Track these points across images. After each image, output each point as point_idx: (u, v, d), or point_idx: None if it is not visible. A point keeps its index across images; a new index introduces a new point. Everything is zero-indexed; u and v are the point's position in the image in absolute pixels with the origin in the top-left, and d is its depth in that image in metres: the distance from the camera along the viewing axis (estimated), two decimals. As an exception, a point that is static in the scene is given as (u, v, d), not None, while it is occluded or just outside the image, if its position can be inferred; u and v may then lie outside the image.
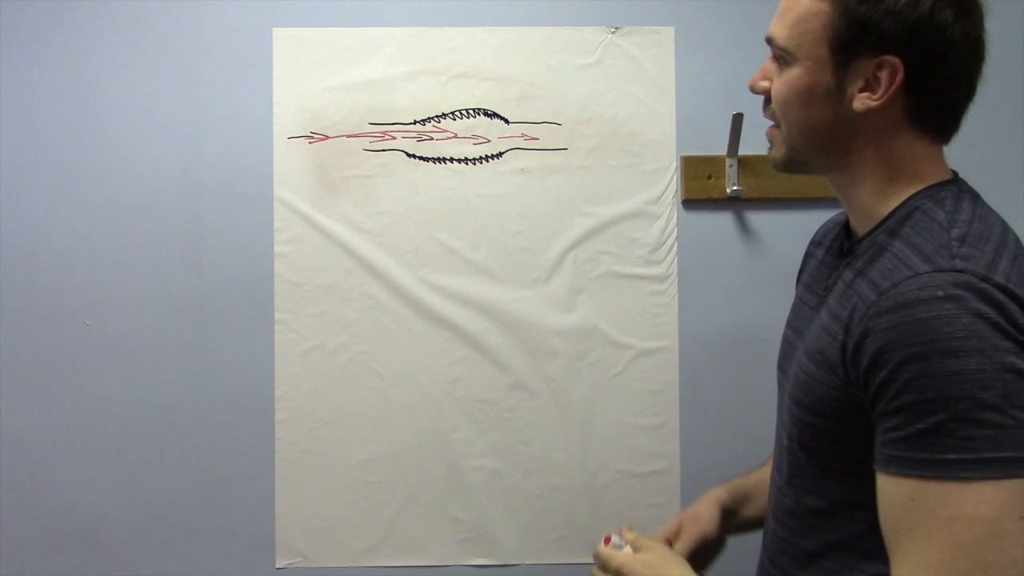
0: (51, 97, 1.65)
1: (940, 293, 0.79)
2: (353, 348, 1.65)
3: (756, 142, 1.60)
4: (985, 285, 0.80)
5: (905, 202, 0.91)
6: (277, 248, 1.65)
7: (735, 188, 1.64)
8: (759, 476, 1.19)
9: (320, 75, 1.65)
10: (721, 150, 1.64)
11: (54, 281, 1.65)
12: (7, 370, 1.64)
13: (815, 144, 0.94)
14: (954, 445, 0.77)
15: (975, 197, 0.92)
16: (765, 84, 0.97)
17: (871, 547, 0.88)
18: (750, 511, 1.17)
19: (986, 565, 0.76)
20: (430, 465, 1.65)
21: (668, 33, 1.66)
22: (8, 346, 1.65)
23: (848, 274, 0.93)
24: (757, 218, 1.67)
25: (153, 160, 1.65)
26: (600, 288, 1.66)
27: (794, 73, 0.92)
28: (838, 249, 1.02)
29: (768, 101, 0.97)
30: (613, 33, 1.66)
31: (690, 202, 1.67)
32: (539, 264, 1.66)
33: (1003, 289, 0.80)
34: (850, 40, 0.89)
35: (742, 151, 1.63)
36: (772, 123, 0.99)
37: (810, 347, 0.94)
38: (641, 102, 1.66)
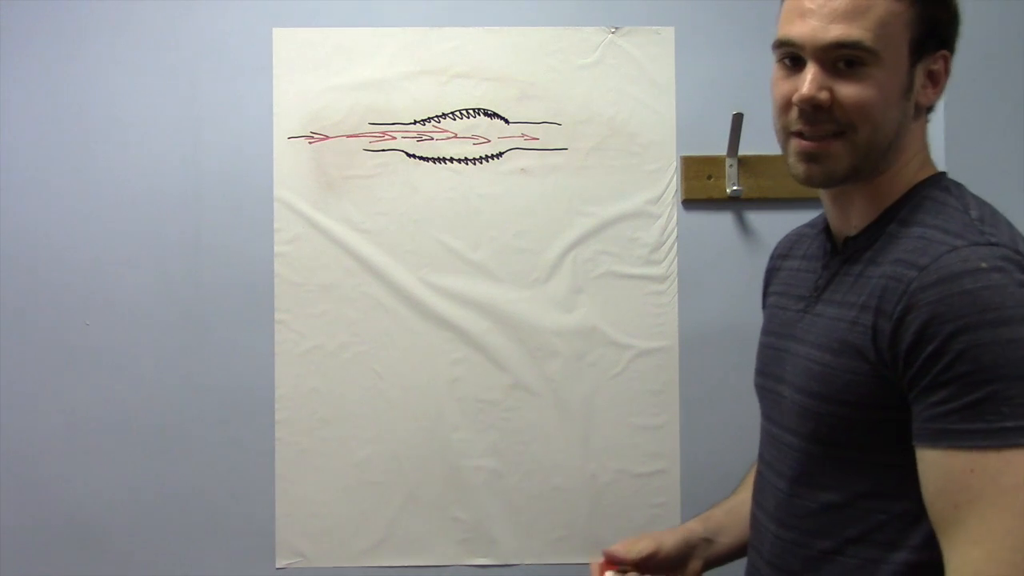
0: (51, 97, 1.65)
1: (984, 265, 0.81)
2: (353, 348, 1.65)
3: (756, 142, 1.60)
4: (1020, 257, 0.82)
5: (908, 193, 0.93)
6: (277, 248, 1.65)
7: (735, 188, 1.64)
8: (730, 505, 1.20)
9: (320, 75, 1.65)
10: (721, 150, 1.64)
11: (54, 281, 1.65)
12: (7, 370, 1.64)
13: (885, 148, 0.92)
14: (1011, 413, 0.78)
15: (964, 186, 0.95)
16: (828, 95, 0.90)
17: (893, 537, 0.88)
18: (726, 539, 1.16)
19: None
20: (430, 465, 1.65)
21: (668, 33, 1.66)
22: (8, 346, 1.65)
23: (854, 267, 0.93)
24: (757, 218, 1.67)
25: (153, 160, 1.65)
26: (600, 288, 1.66)
27: (881, 76, 0.89)
28: (820, 252, 1.03)
29: (819, 111, 0.91)
30: (613, 33, 1.66)
31: (690, 202, 1.67)
32: (539, 264, 1.66)
33: None
34: (925, 39, 0.91)
35: (742, 151, 1.63)
36: (823, 135, 0.92)
37: (820, 341, 0.94)
38: (641, 102, 1.66)
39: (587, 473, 1.66)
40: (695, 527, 1.17)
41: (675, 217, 1.67)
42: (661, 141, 1.66)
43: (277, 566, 1.65)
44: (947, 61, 0.94)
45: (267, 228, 1.65)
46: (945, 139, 1.52)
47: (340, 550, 1.65)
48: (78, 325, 1.65)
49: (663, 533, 1.14)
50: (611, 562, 1.09)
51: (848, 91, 0.89)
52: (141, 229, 1.65)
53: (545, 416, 1.66)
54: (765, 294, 1.17)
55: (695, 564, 1.15)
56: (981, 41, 1.44)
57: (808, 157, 0.93)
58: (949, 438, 0.80)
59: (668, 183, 1.67)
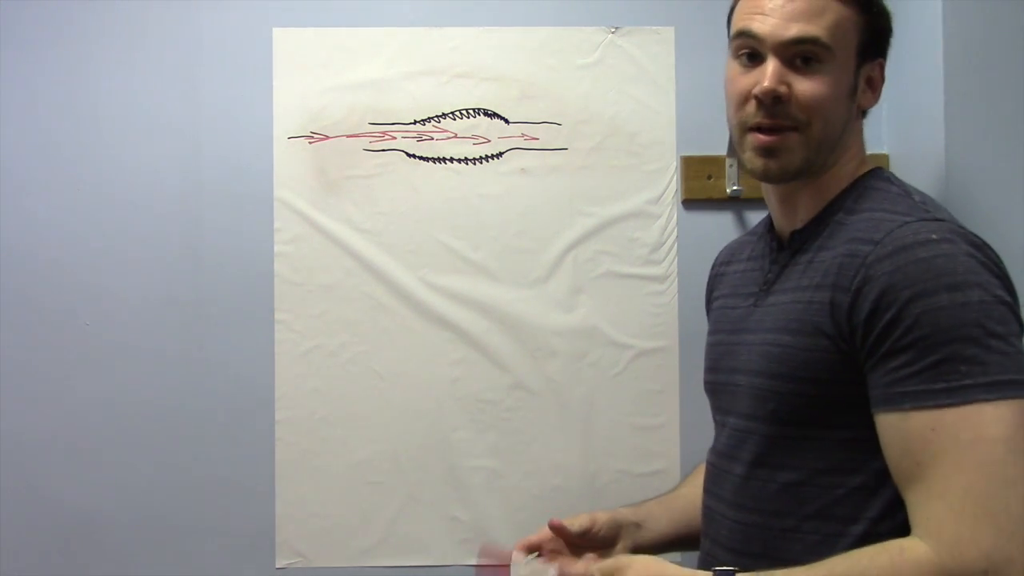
0: (52, 97, 1.65)
1: (934, 236, 0.87)
2: (353, 348, 1.65)
3: (756, 142, 1.60)
4: (964, 231, 0.89)
5: (853, 184, 0.99)
6: (277, 248, 1.65)
7: (735, 188, 1.64)
8: (665, 498, 1.25)
9: (320, 75, 1.65)
10: (721, 150, 1.64)
11: (54, 281, 1.64)
12: (7, 370, 1.64)
13: (833, 143, 0.99)
14: (969, 371, 0.82)
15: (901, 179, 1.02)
16: (787, 89, 0.96)
17: (851, 511, 0.91)
18: (656, 526, 1.20)
19: (1008, 480, 0.81)
20: (430, 465, 1.65)
21: (668, 33, 1.67)
22: (8, 346, 1.65)
23: (804, 256, 0.98)
24: (757, 218, 1.65)
25: (153, 160, 1.65)
26: (600, 288, 1.66)
27: (833, 74, 0.96)
28: (766, 250, 1.08)
29: (778, 104, 0.96)
30: (613, 33, 1.66)
31: (690, 202, 1.67)
32: (539, 264, 1.66)
33: (975, 236, 0.90)
34: (868, 45, 0.99)
35: (742, 151, 1.63)
36: (779, 130, 0.97)
37: (777, 325, 0.97)
38: (641, 102, 1.66)
39: (587, 473, 1.66)
40: (626, 511, 1.21)
41: (675, 217, 1.67)
42: (661, 141, 1.66)
43: (277, 566, 1.65)
44: (882, 69, 1.03)
45: (267, 228, 1.65)
46: (945, 139, 1.52)
47: (340, 550, 1.65)
48: (78, 325, 1.65)
49: (597, 512, 1.18)
50: (556, 530, 1.13)
51: (804, 86, 0.96)
52: (141, 229, 1.65)
53: (545, 416, 1.66)
54: (709, 300, 1.22)
55: (624, 544, 1.17)
56: (981, 41, 1.43)
57: (766, 152, 0.98)
58: (912, 399, 0.84)
59: (668, 183, 1.67)
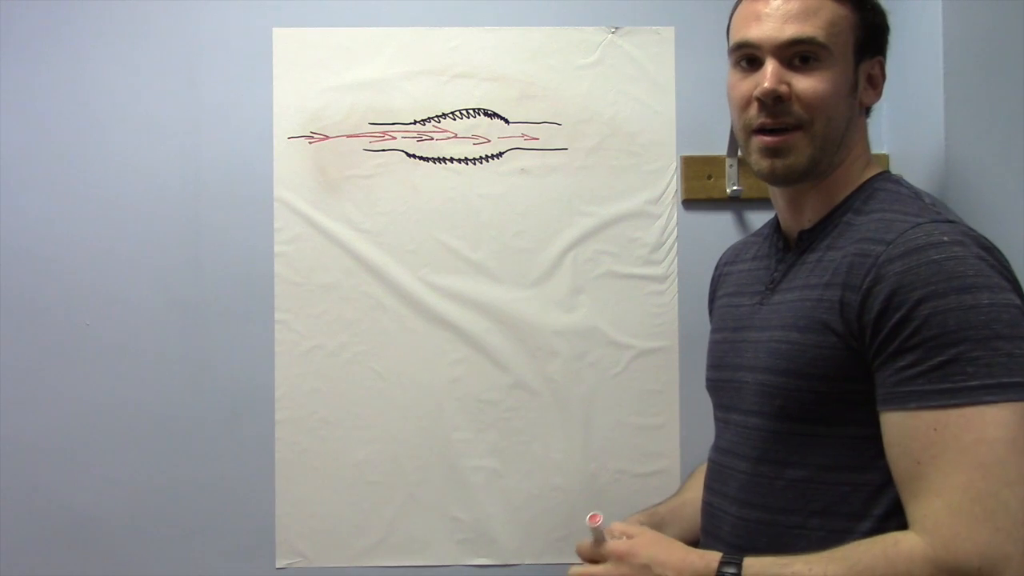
0: (51, 97, 1.65)
1: (945, 238, 0.88)
2: (353, 348, 1.65)
3: (756, 142, 1.60)
4: (975, 234, 0.90)
5: (861, 186, 1.00)
6: (277, 248, 1.65)
7: (735, 188, 1.64)
8: (672, 505, 1.25)
9: (320, 75, 1.65)
10: (721, 150, 1.64)
11: (54, 281, 1.65)
12: (7, 370, 1.64)
13: (837, 142, 1.00)
14: (975, 372, 0.83)
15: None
16: (787, 88, 0.98)
17: (858, 508, 0.92)
18: (668, 532, 1.18)
19: (1009, 481, 0.82)
20: (430, 465, 1.65)
21: (668, 33, 1.67)
22: (8, 346, 1.65)
23: (812, 255, 0.99)
24: (757, 218, 1.67)
25: (153, 160, 1.65)
26: (600, 288, 1.66)
27: (832, 71, 0.98)
28: (772, 250, 1.09)
29: (779, 103, 0.98)
30: (613, 33, 1.66)
31: (690, 202, 1.67)
32: (539, 264, 1.66)
33: (985, 240, 0.91)
34: (867, 43, 1.00)
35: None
36: (784, 129, 0.98)
37: (784, 322, 0.98)
38: (641, 102, 1.66)
39: (587, 473, 1.66)
40: (640, 518, 1.22)
41: (675, 217, 1.67)
42: (661, 141, 1.66)
43: (277, 566, 1.65)
44: (882, 66, 1.04)
45: (267, 228, 1.65)
46: (945, 139, 1.52)
47: (340, 550, 1.65)
48: (78, 325, 1.65)
49: (615, 523, 1.18)
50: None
51: (804, 84, 0.97)
52: (141, 229, 1.65)
53: (545, 416, 1.66)
54: (712, 299, 1.23)
55: None
56: (981, 41, 1.43)
57: (771, 152, 0.99)
58: (916, 399, 0.85)
59: (668, 183, 1.67)
